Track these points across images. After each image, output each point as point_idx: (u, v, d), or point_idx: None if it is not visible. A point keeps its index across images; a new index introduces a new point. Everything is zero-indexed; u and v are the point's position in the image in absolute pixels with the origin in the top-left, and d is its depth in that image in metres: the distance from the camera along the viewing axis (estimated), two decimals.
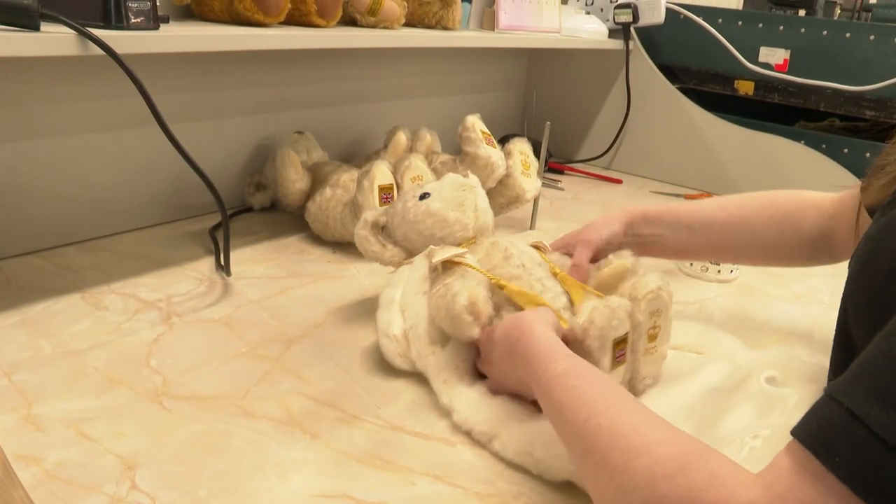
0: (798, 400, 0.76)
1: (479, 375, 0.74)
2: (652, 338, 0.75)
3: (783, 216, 0.84)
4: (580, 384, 0.55)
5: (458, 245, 0.81)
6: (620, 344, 0.69)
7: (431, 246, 0.80)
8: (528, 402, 0.69)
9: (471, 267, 0.75)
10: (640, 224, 0.89)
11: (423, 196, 0.82)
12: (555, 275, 0.79)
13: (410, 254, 0.84)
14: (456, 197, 0.82)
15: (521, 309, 0.72)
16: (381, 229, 0.86)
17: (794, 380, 0.81)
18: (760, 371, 0.80)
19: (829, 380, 0.76)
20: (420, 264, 0.80)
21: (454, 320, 0.70)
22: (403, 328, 0.76)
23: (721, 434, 0.69)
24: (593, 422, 0.50)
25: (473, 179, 0.84)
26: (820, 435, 0.38)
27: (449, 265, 0.76)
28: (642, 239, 0.89)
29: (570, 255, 0.86)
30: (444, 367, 0.73)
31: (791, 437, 0.41)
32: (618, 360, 0.69)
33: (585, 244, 0.85)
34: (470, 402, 0.70)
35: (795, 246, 0.84)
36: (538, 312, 0.67)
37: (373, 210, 0.88)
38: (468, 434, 0.67)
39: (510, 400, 0.69)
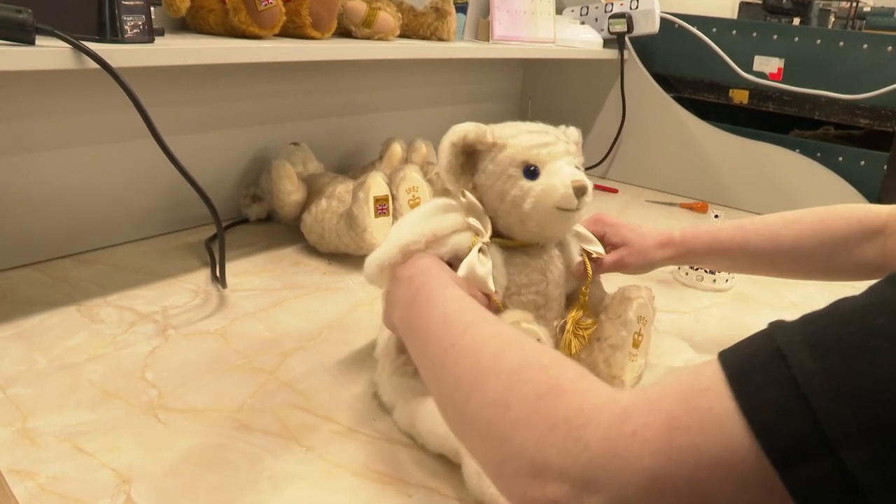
0: None
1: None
2: (636, 344, 0.75)
3: (834, 241, 0.80)
4: (470, 306, 0.56)
5: (515, 243, 0.74)
6: None
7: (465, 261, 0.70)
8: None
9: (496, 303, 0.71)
10: (684, 260, 0.89)
11: (531, 173, 0.69)
12: (580, 296, 0.78)
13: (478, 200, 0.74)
14: (551, 215, 0.70)
15: None
16: (468, 157, 0.73)
17: None
18: None
19: None
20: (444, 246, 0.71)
21: None
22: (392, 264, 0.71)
23: None
24: (471, 329, 0.51)
25: (585, 202, 0.70)
26: (742, 364, 0.36)
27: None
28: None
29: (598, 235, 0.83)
30: (394, 340, 0.73)
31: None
32: None
33: (619, 265, 0.85)
34: (388, 371, 0.71)
35: (848, 269, 0.81)
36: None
37: (476, 127, 0.71)
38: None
39: (410, 377, 0.70)
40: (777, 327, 0.37)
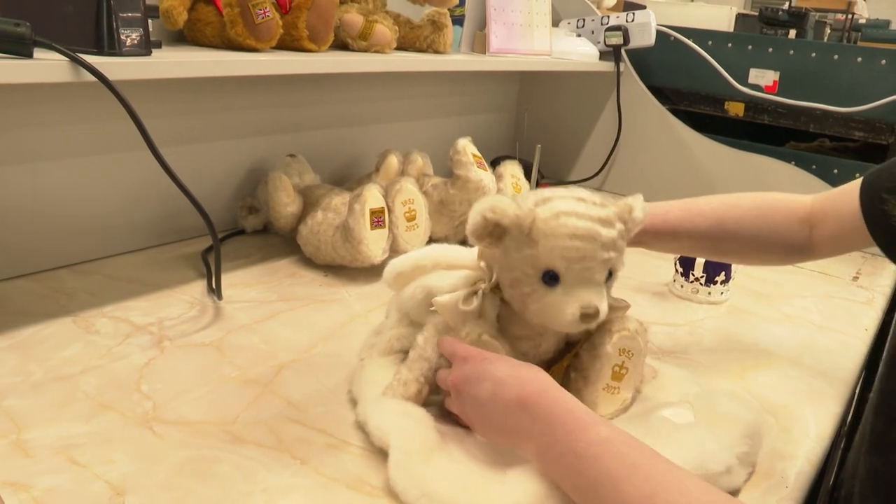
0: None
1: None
2: (617, 377, 0.72)
3: (770, 228, 0.85)
4: (630, 452, 0.53)
5: None
6: None
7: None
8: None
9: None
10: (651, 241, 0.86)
11: (550, 279, 0.65)
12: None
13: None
14: (554, 326, 0.69)
15: None
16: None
17: (788, 400, 0.81)
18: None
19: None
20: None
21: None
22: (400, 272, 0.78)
23: None
24: (660, 497, 0.50)
25: (594, 323, 0.67)
26: None
27: None
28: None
29: None
30: (381, 344, 0.78)
31: None
32: None
33: None
34: (372, 394, 0.72)
35: (779, 255, 0.87)
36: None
37: (516, 209, 0.65)
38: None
39: (398, 402, 0.70)
40: None
